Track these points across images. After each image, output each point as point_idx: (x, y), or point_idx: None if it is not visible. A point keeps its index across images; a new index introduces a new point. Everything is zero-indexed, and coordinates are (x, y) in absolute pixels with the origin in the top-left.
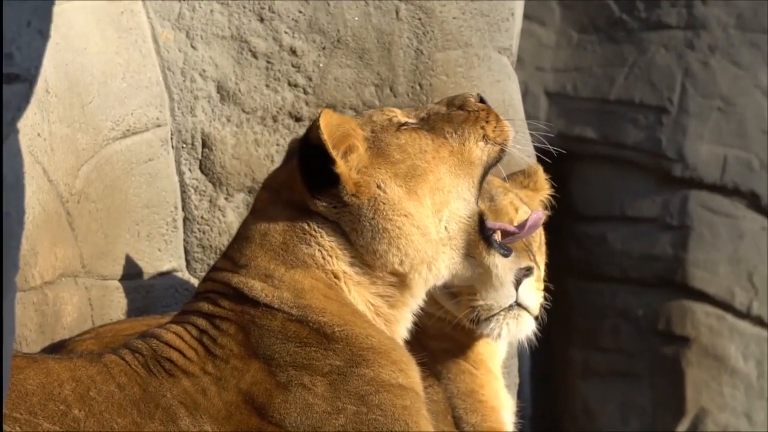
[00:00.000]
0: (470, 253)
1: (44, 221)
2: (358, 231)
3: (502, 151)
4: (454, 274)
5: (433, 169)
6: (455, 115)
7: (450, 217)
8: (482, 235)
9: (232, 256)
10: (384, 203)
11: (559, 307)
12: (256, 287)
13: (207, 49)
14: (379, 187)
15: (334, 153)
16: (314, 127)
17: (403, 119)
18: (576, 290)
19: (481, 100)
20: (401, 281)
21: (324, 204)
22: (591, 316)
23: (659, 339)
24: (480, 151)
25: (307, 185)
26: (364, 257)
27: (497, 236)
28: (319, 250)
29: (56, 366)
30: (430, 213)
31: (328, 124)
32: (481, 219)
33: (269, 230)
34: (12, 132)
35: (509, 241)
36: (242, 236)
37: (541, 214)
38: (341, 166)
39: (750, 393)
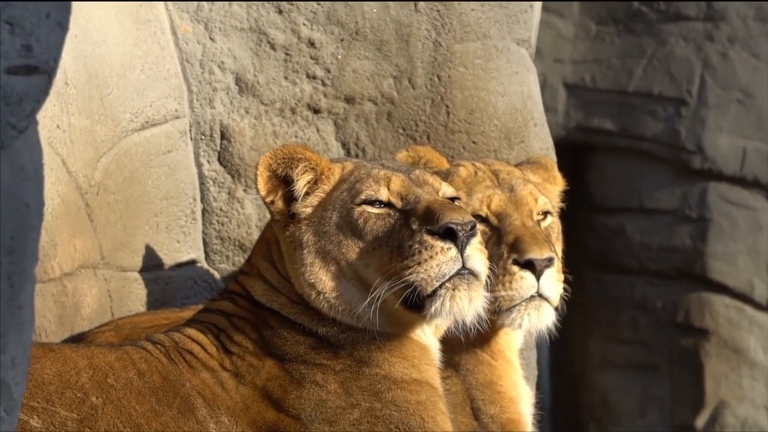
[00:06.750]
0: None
1: (63, 213)
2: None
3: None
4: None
5: (345, 257)
6: (409, 239)
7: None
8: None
9: (250, 255)
10: (302, 259)
11: (578, 298)
12: (258, 290)
13: (225, 41)
14: (302, 245)
15: (263, 192)
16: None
17: (380, 197)
18: (594, 282)
19: (448, 231)
20: None
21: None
22: (609, 308)
23: (678, 331)
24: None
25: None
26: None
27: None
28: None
29: (73, 354)
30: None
31: (267, 167)
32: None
33: (268, 226)
34: (31, 124)
35: None
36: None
37: None
38: (274, 205)
39: None
